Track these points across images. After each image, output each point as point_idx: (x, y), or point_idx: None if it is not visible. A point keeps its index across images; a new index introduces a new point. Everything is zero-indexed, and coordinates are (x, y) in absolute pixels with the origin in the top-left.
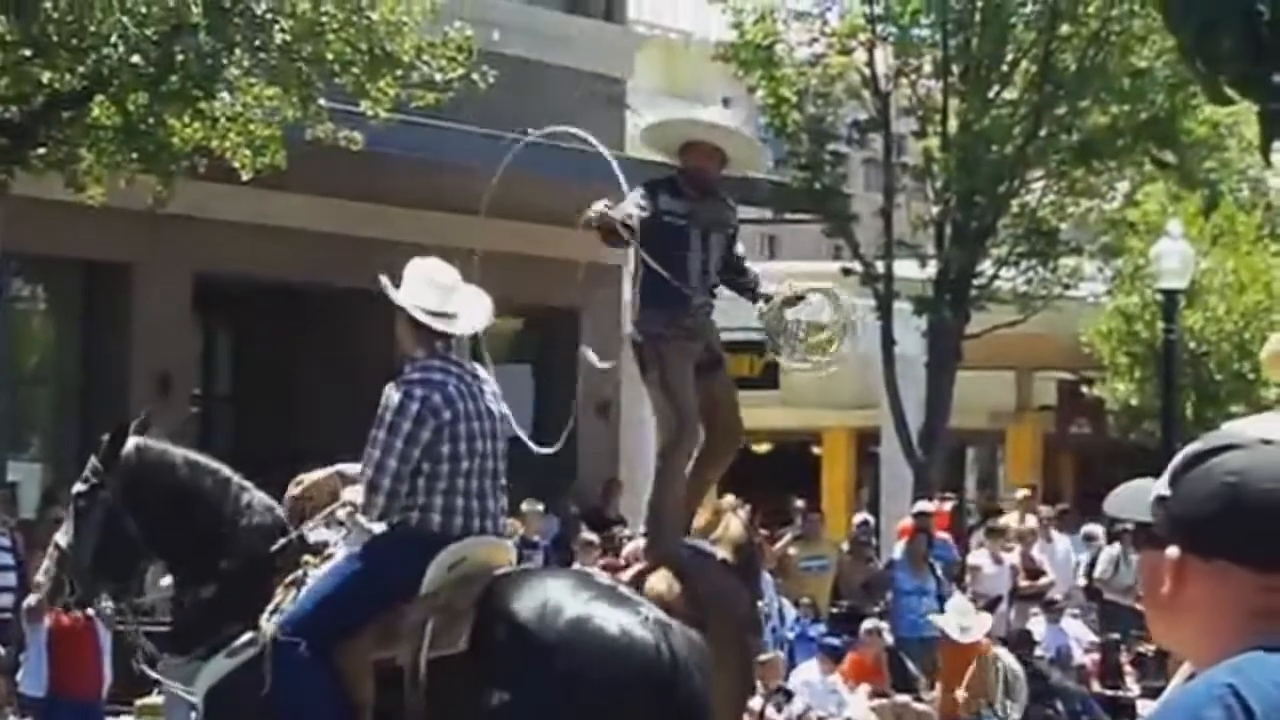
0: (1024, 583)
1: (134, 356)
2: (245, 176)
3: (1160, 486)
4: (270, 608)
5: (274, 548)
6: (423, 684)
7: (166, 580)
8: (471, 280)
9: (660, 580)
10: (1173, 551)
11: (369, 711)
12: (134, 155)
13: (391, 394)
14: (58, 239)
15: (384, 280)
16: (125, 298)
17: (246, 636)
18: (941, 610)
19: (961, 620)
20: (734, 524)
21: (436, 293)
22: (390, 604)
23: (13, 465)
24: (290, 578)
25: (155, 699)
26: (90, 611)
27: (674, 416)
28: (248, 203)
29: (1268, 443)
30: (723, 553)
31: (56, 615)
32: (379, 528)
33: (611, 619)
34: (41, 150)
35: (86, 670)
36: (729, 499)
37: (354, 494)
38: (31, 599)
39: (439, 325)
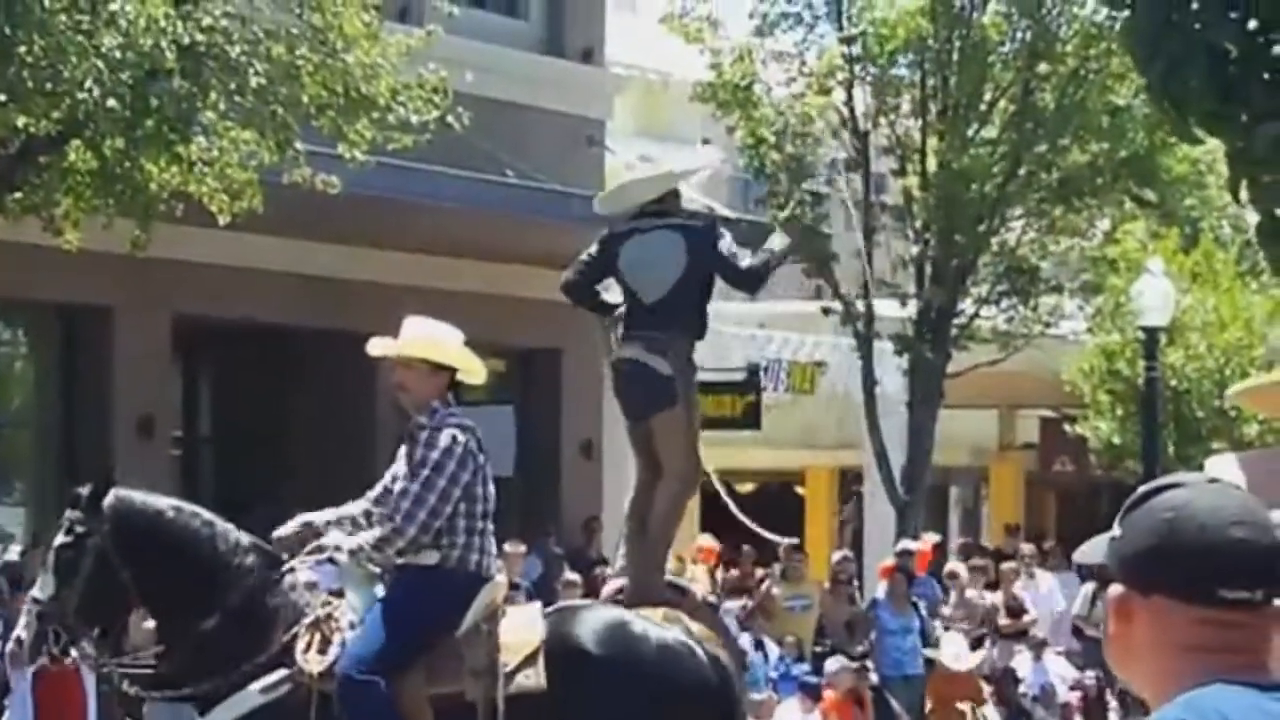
0: (1005, 621)
1: (115, 399)
2: (222, 221)
3: (1114, 527)
4: (302, 647)
5: (274, 579)
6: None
7: (149, 623)
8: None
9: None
10: (1115, 589)
11: None
12: (110, 199)
13: (439, 436)
14: (36, 283)
15: (381, 341)
16: (105, 341)
17: (280, 674)
18: (926, 646)
19: (957, 650)
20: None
21: (438, 345)
22: (435, 639)
23: None
24: (312, 618)
25: None
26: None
27: (689, 459)
28: (227, 245)
29: (1213, 481)
30: (700, 589)
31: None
32: (427, 559)
33: (669, 637)
34: (18, 194)
35: (72, 715)
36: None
37: (337, 538)
38: (14, 645)
39: (460, 376)
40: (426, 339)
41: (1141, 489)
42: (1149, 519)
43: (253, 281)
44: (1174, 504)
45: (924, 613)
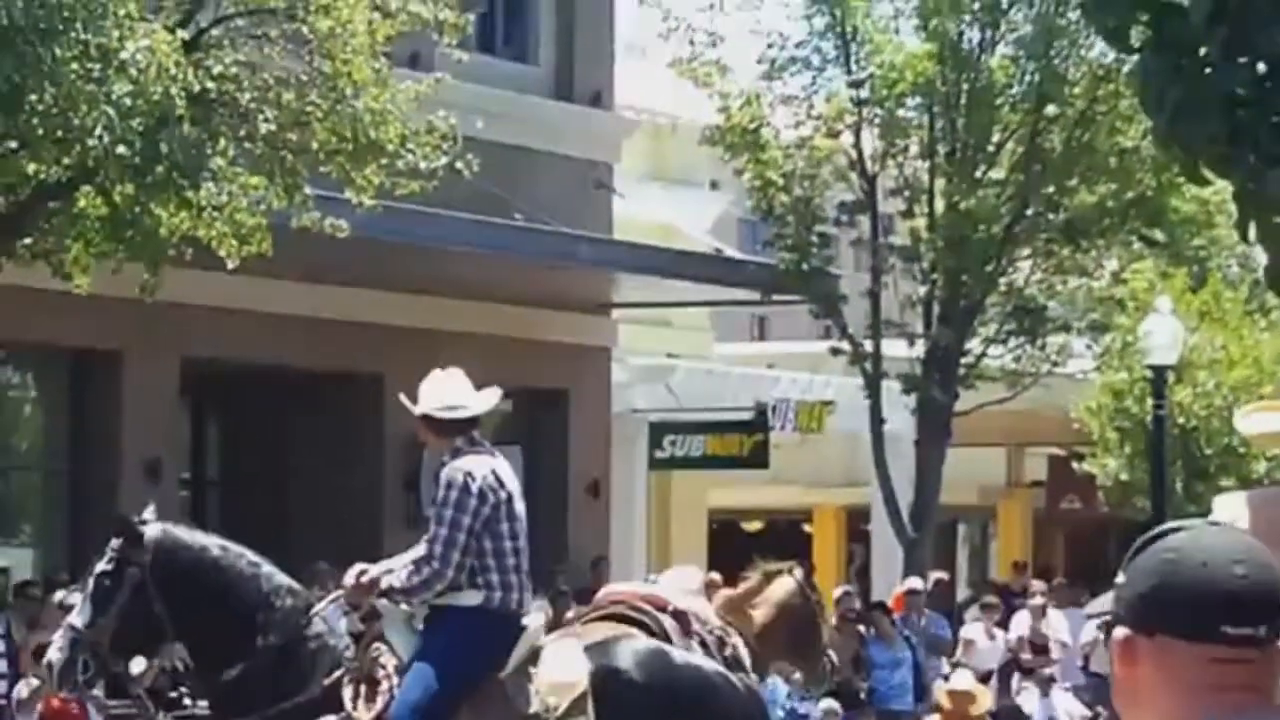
0: (1026, 656)
1: (123, 442)
2: (231, 265)
3: (1119, 575)
4: (350, 694)
5: (304, 624)
6: None
7: (140, 664)
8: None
9: None
10: (1120, 632)
11: None
12: (120, 245)
13: (453, 475)
14: (46, 327)
15: (404, 399)
16: (114, 384)
17: (330, 719)
18: (918, 681)
19: (968, 688)
20: (781, 585)
21: (446, 394)
22: (480, 681)
23: (3, 551)
24: (357, 664)
25: None
26: (94, 692)
27: None
28: (235, 289)
29: (1214, 524)
30: (760, 614)
31: (48, 701)
32: (470, 600)
33: (707, 667)
34: (28, 240)
35: None
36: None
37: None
38: (23, 691)
39: (453, 415)
40: (431, 395)
41: (1144, 536)
42: (1150, 561)
43: (261, 325)
44: (1174, 545)
45: (914, 643)
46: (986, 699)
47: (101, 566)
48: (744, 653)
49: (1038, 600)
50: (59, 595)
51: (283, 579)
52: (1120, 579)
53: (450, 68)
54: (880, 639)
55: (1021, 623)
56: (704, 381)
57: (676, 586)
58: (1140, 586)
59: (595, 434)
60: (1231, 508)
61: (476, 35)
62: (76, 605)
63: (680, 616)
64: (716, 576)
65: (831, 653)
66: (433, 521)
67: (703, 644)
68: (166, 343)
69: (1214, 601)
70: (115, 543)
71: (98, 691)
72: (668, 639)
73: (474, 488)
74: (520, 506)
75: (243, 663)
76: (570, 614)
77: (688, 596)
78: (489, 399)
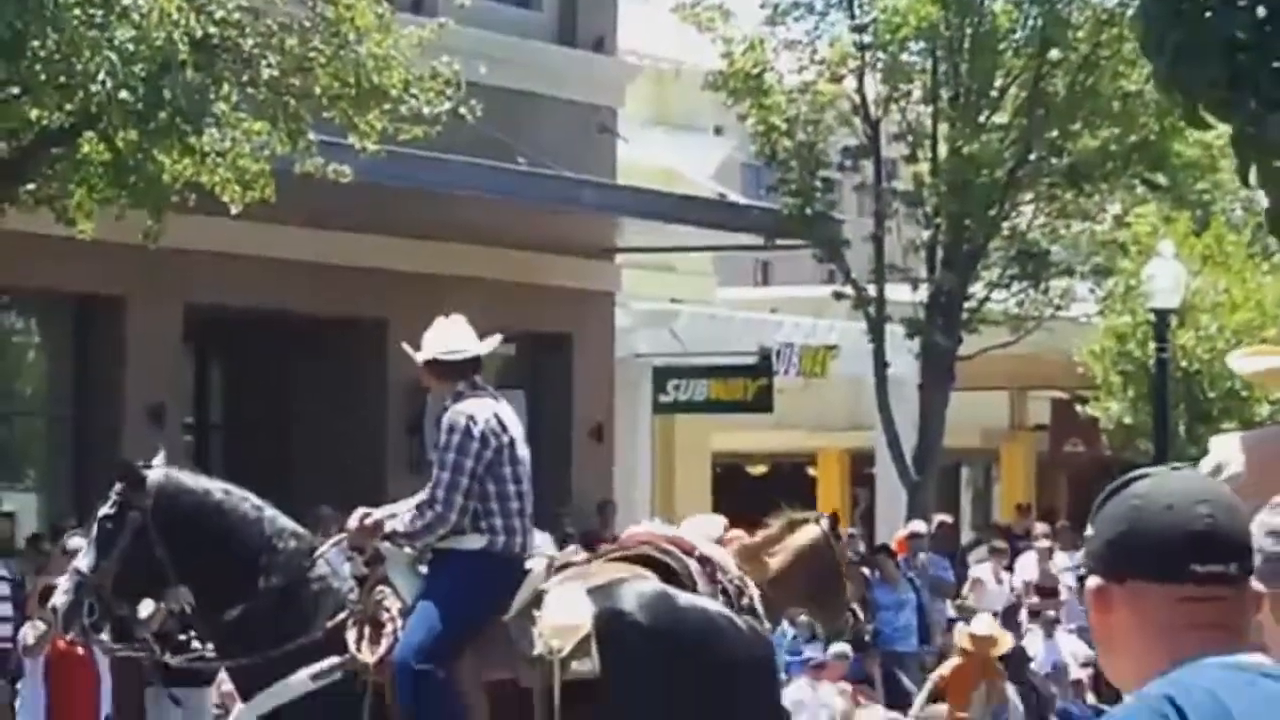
0: (1033, 599)
1: (127, 387)
2: (234, 210)
3: (1088, 528)
4: (354, 637)
5: (307, 566)
6: (558, 706)
7: (148, 607)
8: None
9: None
10: (1092, 582)
11: None
12: (123, 190)
13: (455, 419)
14: (50, 273)
15: (407, 347)
16: (117, 329)
17: (331, 661)
18: (922, 623)
19: (989, 632)
20: (805, 533)
21: (448, 340)
22: (485, 625)
23: (8, 496)
24: (360, 606)
25: None
26: (100, 636)
27: None
28: (239, 234)
29: (1177, 469)
30: (776, 561)
31: (54, 644)
32: (473, 544)
33: (712, 609)
34: (32, 186)
35: (84, 697)
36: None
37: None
38: (29, 636)
39: (453, 358)
40: (433, 341)
41: (1110, 486)
42: (1117, 509)
43: (264, 270)
44: (1139, 492)
45: (919, 585)
46: (1007, 642)
47: (104, 511)
48: (760, 604)
49: (1044, 543)
50: (65, 540)
51: (285, 522)
52: (1089, 530)
53: (453, 12)
54: (884, 582)
55: (1026, 565)
56: (707, 326)
57: (698, 534)
58: (1108, 534)
59: (599, 378)
60: (1226, 448)
61: None
62: (81, 550)
63: (705, 561)
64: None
65: (856, 605)
66: (435, 466)
67: (724, 592)
68: (170, 288)
69: (1181, 541)
70: (118, 487)
71: (104, 636)
72: (693, 582)
73: (476, 431)
74: (523, 450)
75: (244, 604)
76: (576, 556)
77: (709, 544)
78: (490, 343)
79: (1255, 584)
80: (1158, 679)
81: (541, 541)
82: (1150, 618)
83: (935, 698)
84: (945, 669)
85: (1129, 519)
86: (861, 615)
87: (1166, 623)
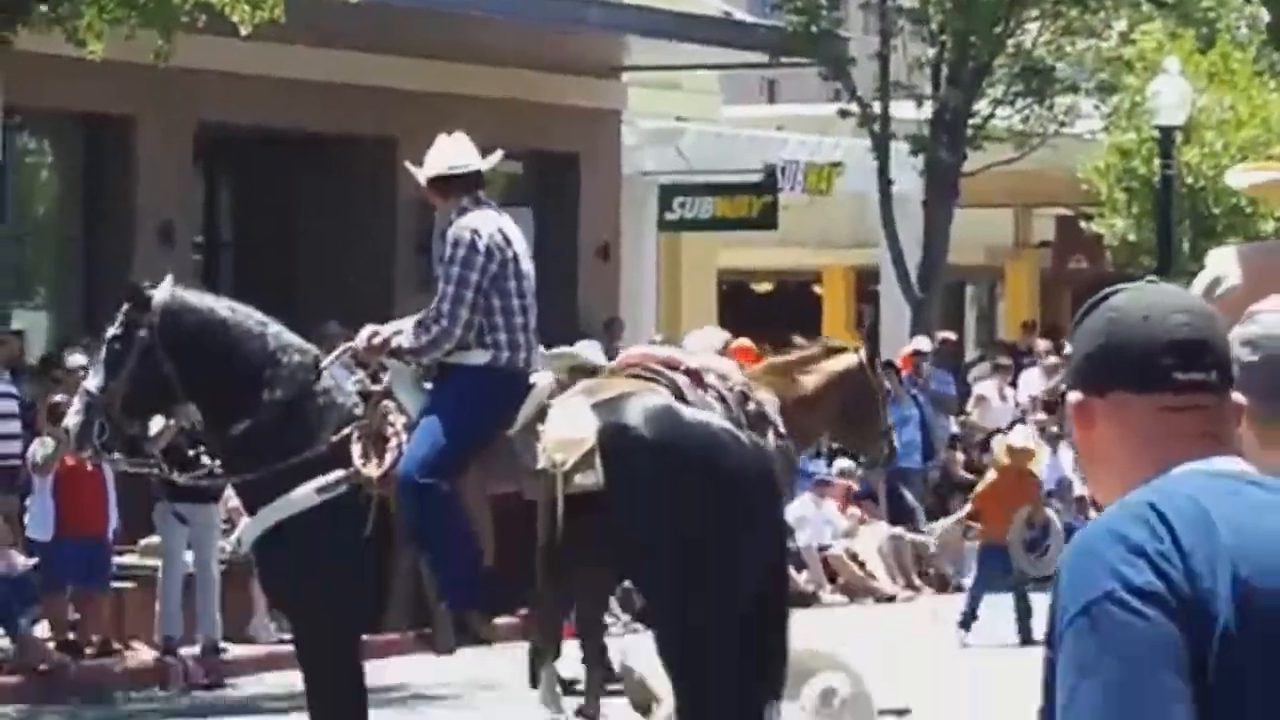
0: (1039, 415)
1: (137, 206)
2: (244, 31)
3: (1067, 345)
4: (359, 451)
5: (312, 380)
6: (561, 519)
7: (158, 424)
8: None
9: None
10: (1073, 397)
11: (491, 544)
12: (134, 11)
13: (460, 233)
14: (61, 93)
15: (410, 166)
16: (127, 149)
17: (336, 474)
18: (926, 439)
19: (1026, 444)
20: (843, 359)
21: (450, 156)
22: (489, 439)
23: (18, 314)
24: (363, 424)
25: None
26: (113, 455)
27: None
28: (248, 54)
29: (1153, 282)
30: (809, 380)
31: (63, 460)
32: (477, 359)
33: (715, 423)
34: (43, 7)
35: (93, 511)
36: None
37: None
38: (38, 453)
39: (456, 172)
40: (435, 158)
41: (1086, 303)
42: (1095, 323)
43: (273, 89)
44: (1116, 305)
45: (922, 401)
46: (1044, 455)
47: (112, 331)
48: (772, 411)
49: (1051, 359)
50: (66, 356)
51: (290, 337)
52: (1068, 348)
53: None
54: (889, 398)
55: (1029, 381)
56: (713, 144)
57: (701, 345)
58: (1087, 348)
59: (605, 197)
60: (1224, 261)
61: None
62: (82, 366)
63: (692, 374)
64: (746, 342)
65: (894, 435)
66: (440, 280)
67: (720, 398)
68: (179, 108)
69: (1161, 349)
70: (125, 308)
71: (116, 455)
72: (681, 395)
73: (481, 245)
74: (527, 265)
75: (249, 419)
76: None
77: (710, 355)
78: (492, 159)
79: (1235, 396)
80: (1145, 485)
81: (590, 351)
82: (1133, 429)
83: (973, 517)
84: (981, 487)
85: (1106, 331)
86: (898, 446)
87: (1149, 433)
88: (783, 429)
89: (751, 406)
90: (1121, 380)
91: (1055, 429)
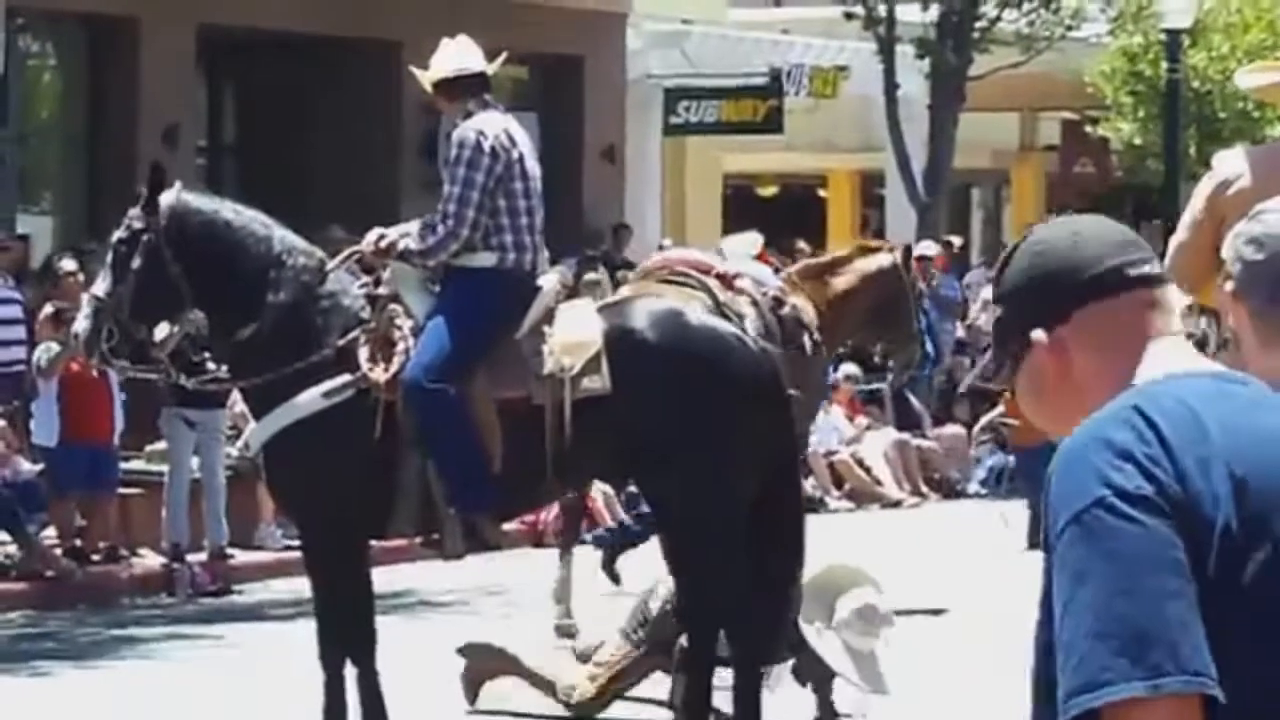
0: None
1: (140, 109)
2: None
3: (996, 310)
4: (366, 355)
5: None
6: (569, 422)
7: (163, 329)
8: None
9: None
10: (1038, 337)
11: (499, 448)
12: None
13: (465, 134)
14: None
15: (415, 70)
16: (131, 51)
17: (343, 379)
18: (933, 343)
19: None
20: (875, 259)
21: (455, 59)
22: (497, 343)
23: (23, 218)
24: (370, 328)
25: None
26: (121, 362)
27: None
28: None
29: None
30: (841, 281)
31: (67, 365)
32: (484, 262)
33: (722, 327)
34: None
35: (99, 417)
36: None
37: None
38: (42, 357)
39: (460, 73)
40: (440, 62)
41: (1000, 260)
42: (1024, 261)
43: None
44: (1037, 239)
45: (932, 312)
46: None
47: (118, 235)
48: (807, 314)
49: None
50: (56, 262)
51: (295, 240)
52: (999, 310)
53: None
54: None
55: None
56: (718, 46)
57: (737, 250)
58: (1030, 282)
59: (610, 100)
60: (1231, 162)
61: None
62: (98, 276)
63: (725, 279)
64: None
65: (929, 339)
66: (446, 181)
67: (754, 303)
68: (183, 9)
69: (1108, 252)
70: (132, 211)
71: (123, 361)
72: (715, 299)
73: (486, 145)
74: (533, 166)
75: (255, 323)
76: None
77: (744, 260)
78: (497, 61)
79: (1228, 287)
80: (1125, 393)
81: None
82: (1109, 338)
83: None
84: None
85: (1043, 262)
86: (932, 352)
87: (1130, 331)
88: (817, 334)
89: (786, 310)
90: (1081, 296)
91: None
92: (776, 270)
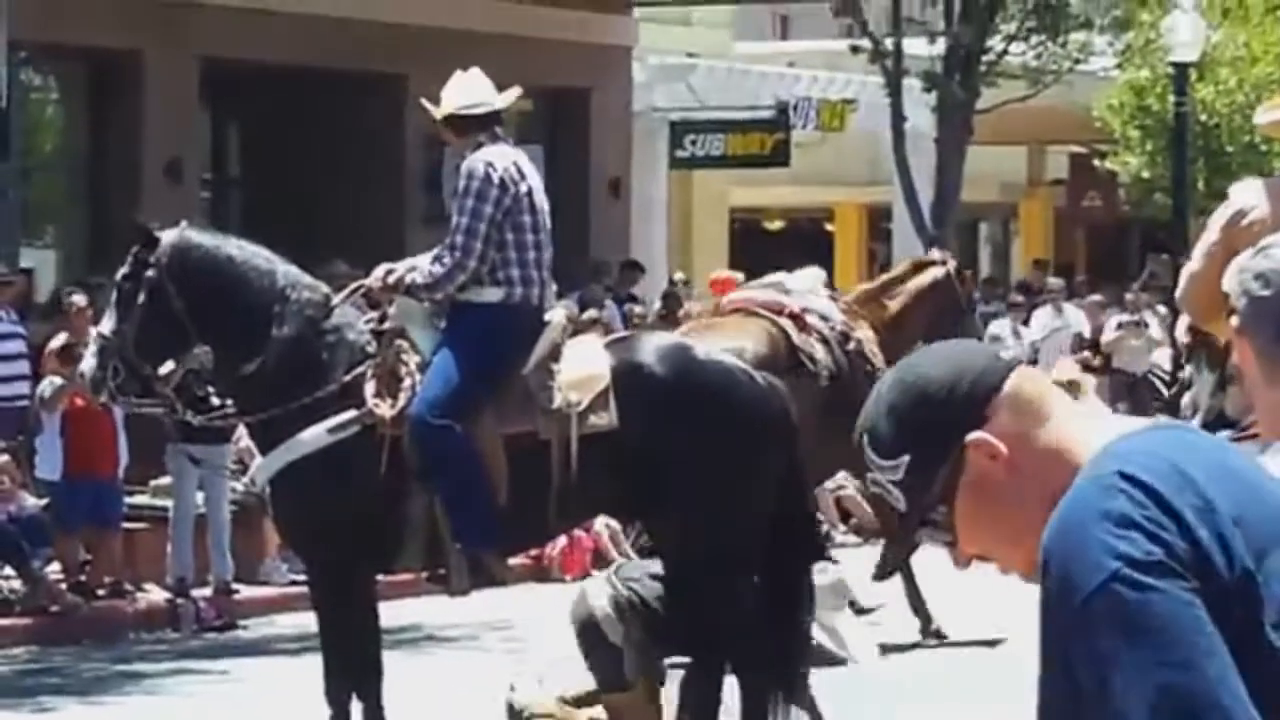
0: (1085, 354)
1: (143, 142)
2: None
3: (887, 456)
4: (372, 390)
5: (322, 317)
6: (576, 458)
7: (168, 364)
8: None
9: None
10: (974, 438)
11: (505, 484)
12: None
13: (474, 166)
14: (66, 27)
15: (426, 103)
16: (134, 84)
17: (349, 415)
18: None
19: (1074, 377)
20: (929, 274)
21: (467, 94)
22: (503, 378)
23: (26, 252)
24: (379, 359)
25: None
26: (129, 399)
27: None
28: None
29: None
30: (896, 303)
31: (71, 399)
32: (490, 297)
33: (729, 362)
34: None
35: (103, 451)
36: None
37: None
38: (46, 390)
39: (473, 111)
40: (452, 96)
41: (873, 398)
42: (904, 394)
43: (282, 25)
44: (905, 369)
45: None
46: (1090, 384)
47: (122, 272)
48: (871, 347)
49: (1095, 297)
50: (65, 297)
51: (300, 275)
52: (892, 462)
53: None
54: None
55: (1042, 319)
56: (724, 80)
57: (803, 285)
58: (934, 399)
59: (616, 133)
60: (1247, 193)
61: None
62: (104, 315)
63: (796, 317)
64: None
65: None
66: (454, 213)
67: (823, 340)
68: (187, 43)
69: (966, 357)
70: (134, 249)
71: (130, 398)
72: (786, 337)
73: (495, 177)
74: (541, 200)
75: (260, 357)
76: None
77: (810, 296)
78: (508, 96)
79: (1233, 322)
80: (1088, 464)
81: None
82: (1035, 412)
83: None
84: None
85: (927, 386)
86: None
87: (1048, 408)
88: (880, 363)
89: (852, 345)
90: (989, 386)
91: (1096, 363)
92: (834, 299)
